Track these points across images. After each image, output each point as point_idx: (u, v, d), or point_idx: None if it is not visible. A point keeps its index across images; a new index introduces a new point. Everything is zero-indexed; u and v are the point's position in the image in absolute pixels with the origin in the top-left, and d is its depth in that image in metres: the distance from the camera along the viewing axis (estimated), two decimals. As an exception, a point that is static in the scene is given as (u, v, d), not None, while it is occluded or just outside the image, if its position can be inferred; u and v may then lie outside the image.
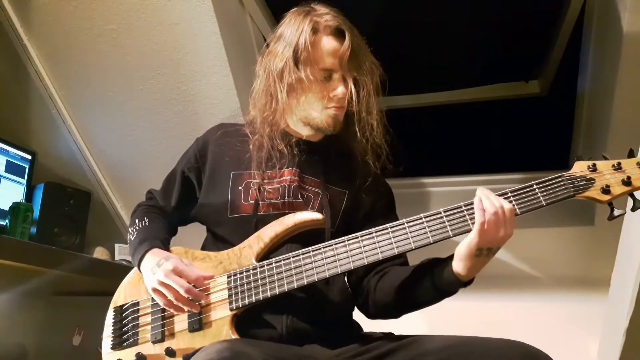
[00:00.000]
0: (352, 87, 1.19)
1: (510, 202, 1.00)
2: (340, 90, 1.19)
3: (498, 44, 1.95)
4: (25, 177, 1.99)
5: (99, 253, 2.01)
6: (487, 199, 0.97)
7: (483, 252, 0.99)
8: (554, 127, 2.00)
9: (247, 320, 1.11)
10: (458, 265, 1.01)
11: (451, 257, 1.03)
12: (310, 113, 1.21)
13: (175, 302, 1.09)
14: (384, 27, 1.88)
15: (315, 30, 1.19)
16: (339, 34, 1.20)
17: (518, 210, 1.00)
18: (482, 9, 1.81)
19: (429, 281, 1.08)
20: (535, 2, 1.76)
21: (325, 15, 1.21)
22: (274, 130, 1.27)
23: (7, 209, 1.80)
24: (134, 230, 1.25)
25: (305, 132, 1.28)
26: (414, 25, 1.93)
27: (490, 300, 1.93)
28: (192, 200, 1.32)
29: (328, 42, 1.20)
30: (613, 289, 1.51)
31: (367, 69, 1.22)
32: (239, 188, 1.23)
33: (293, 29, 1.21)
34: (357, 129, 1.22)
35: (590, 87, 1.73)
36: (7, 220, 1.77)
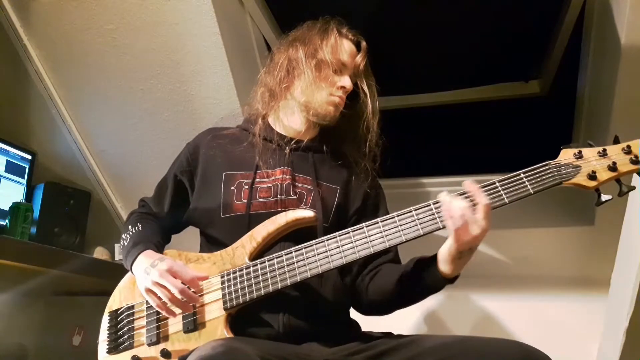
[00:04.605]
0: (366, 88, 1.32)
1: (498, 191, 1.01)
2: (347, 82, 1.28)
3: (498, 43, 1.94)
4: (25, 177, 1.99)
5: (99, 253, 2.01)
6: (452, 204, 0.99)
7: (464, 254, 1.02)
8: (554, 127, 2.00)
9: (244, 319, 1.12)
10: (443, 266, 1.05)
11: (436, 256, 1.07)
12: (315, 98, 1.27)
13: (168, 304, 1.09)
14: (384, 27, 1.88)
15: (339, 32, 1.33)
16: (356, 44, 1.35)
17: (507, 200, 1.01)
18: (482, 8, 1.81)
19: (417, 281, 1.11)
20: (535, 2, 1.76)
21: (345, 27, 1.35)
22: (267, 129, 1.32)
23: (7, 209, 1.80)
24: (127, 236, 1.26)
25: (298, 126, 1.31)
26: (414, 25, 1.92)
27: (490, 300, 1.93)
28: (185, 204, 1.33)
29: (348, 45, 1.33)
30: (613, 289, 1.51)
31: (373, 81, 1.36)
32: (232, 188, 1.24)
33: (316, 27, 1.34)
34: (361, 127, 1.32)
35: (590, 87, 1.73)
36: (7, 220, 1.77)
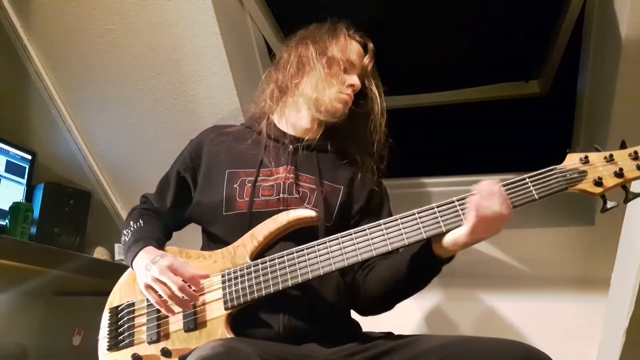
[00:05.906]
0: (374, 89, 1.34)
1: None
2: (357, 80, 1.31)
3: (498, 44, 1.95)
4: (25, 177, 1.99)
5: (99, 253, 2.01)
6: (486, 200, 0.96)
7: (469, 245, 1.00)
8: (554, 127, 2.00)
9: (244, 319, 1.11)
10: (439, 250, 1.04)
11: (429, 243, 1.05)
12: (326, 94, 1.28)
13: (168, 301, 1.09)
14: (385, 27, 1.88)
15: (347, 33, 1.35)
16: (364, 46, 1.37)
17: (511, 205, 0.99)
18: (483, 9, 1.81)
19: (415, 268, 1.10)
20: (535, 2, 1.76)
21: (352, 29, 1.37)
22: (272, 127, 1.32)
23: (7, 209, 1.80)
24: (129, 231, 1.25)
25: (304, 124, 1.32)
26: (414, 25, 1.93)
27: (491, 300, 1.93)
28: (188, 201, 1.32)
29: (356, 46, 1.35)
30: (613, 289, 1.51)
31: (379, 82, 1.38)
32: (234, 186, 1.24)
33: (324, 28, 1.36)
34: (368, 127, 1.33)
35: (590, 87, 1.73)
36: (7, 220, 1.77)
